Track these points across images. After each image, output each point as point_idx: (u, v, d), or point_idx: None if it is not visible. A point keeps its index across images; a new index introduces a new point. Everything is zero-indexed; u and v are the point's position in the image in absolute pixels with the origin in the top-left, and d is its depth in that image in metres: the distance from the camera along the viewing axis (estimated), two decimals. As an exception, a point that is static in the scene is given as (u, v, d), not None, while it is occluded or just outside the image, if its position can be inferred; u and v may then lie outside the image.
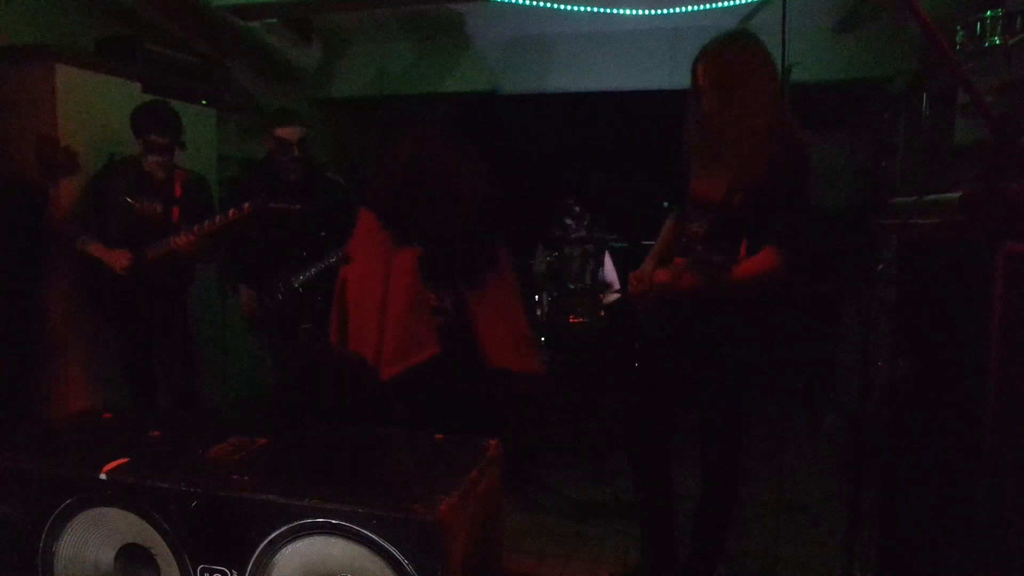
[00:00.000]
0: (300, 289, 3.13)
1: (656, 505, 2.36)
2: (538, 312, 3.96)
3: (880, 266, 2.79)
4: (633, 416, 2.37)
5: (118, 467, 1.53)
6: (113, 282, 3.03)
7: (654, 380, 2.33)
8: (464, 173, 2.51)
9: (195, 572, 1.49)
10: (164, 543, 1.50)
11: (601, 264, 4.12)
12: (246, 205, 2.89)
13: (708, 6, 4.21)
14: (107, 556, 1.57)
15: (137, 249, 3.01)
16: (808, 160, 2.06)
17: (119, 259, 2.98)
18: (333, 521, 1.38)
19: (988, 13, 2.91)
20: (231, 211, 2.90)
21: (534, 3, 4.23)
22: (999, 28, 2.88)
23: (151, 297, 3.12)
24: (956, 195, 1.60)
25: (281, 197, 2.96)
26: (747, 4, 4.10)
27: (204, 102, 4.05)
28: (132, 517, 1.51)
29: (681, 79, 2.18)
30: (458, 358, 2.55)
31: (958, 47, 3.03)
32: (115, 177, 3.10)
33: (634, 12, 4.41)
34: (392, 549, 1.35)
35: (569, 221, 4.11)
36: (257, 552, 1.43)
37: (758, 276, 1.97)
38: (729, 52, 2.03)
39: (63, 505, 1.54)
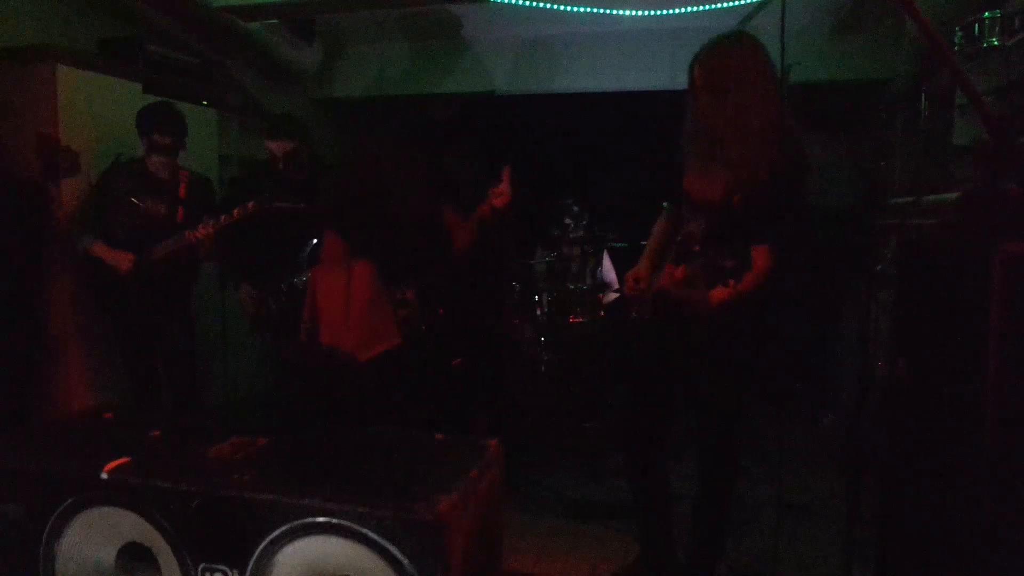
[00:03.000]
0: (303, 289, 3.14)
1: (654, 505, 2.36)
2: (538, 312, 3.96)
3: (880, 266, 2.80)
4: (629, 416, 2.38)
5: (119, 467, 1.53)
6: (116, 282, 3.03)
7: (650, 380, 2.34)
8: (405, 182, 2.71)
9: (196, 571, 1.49)
10: (165, 542, 1.50)
11: (600, 264, 4.12)
12: (250, 203, 2.89)
13: (708, 6, 4.22)
14: (108, 555, 1.57)
15: (141, 249, 3.02)
16: (806, 160, 2.06)
17: (122, 260, 2.99)
18: (333, 521, 1.38)
19: (987, 14, 2.91)
20: (236, 209, 2.91)
21: (534, 4, 4.24)
22: (997, 29, 2.88)
23: (154, 297, 3.12)
24: (955, 195, 1.61)
25: (286, 196, 2.95)
26: (747, 4, 4.11)
27: (205, 102, 4.05)
28: (133, 516, 1.52)
29: (681, 79, 2.18)
30: (426, 346, 2.73)
31: (957, 48, 3.03)
32: (120, 177, 3.11)
33: (634, 12, 4.41)
34: (392, 549, 1.35)
35: (568, 221, 4.11)
36: (258, 552, 1.44)
37: (762, 279, 1.97)
38: (725, 53, 2.04)
39: (64, 504, 1.55)
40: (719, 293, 1.93)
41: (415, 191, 2.75)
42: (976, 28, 2.96)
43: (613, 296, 4.07)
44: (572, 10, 4.32)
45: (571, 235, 4.08)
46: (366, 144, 2.91)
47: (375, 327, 2.76)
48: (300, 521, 1.40)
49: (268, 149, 3.14)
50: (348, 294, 2.77)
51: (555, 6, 4.28)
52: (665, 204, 2.43)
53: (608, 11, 4.37)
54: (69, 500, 1.54)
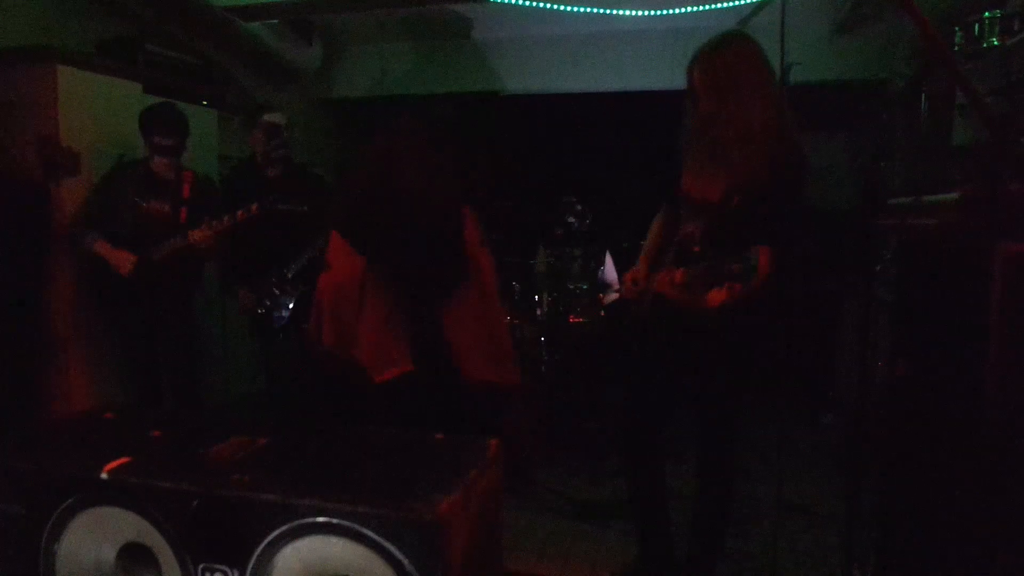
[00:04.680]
0: (292, 278, 3.18)
1: (653, 505, 2.36)
2: (538, 312, 3.96)
3: (880, 266, 2.80)
4: (629, 416, 2.38)
5: (119, 467, 1.53)
6: (118, 282, 3.04)
7: (650, 380, 2.34)
8: (424, 187, 2.47)
9: (196, 571, 1.49)
10: (165, 542, 1.50)
11: (601, 264, 4.12)
12: (253, 206, 2.91)
13: (708, 6, 4.22)
14: (108, 555, 1.57)
15: (144, 250, 3.02)
16: (805, 160, 2.06)
17: (124, 260, 2.99)
18: (333, 521, 1.38)
19: (986, 14, 2.91)
20: (239, 212, 2.92)
21: (534, 4, 4.24)
22: (997, 29, 2.88)
23: (157, 297, 3.13)
24: (955, 195, 1.61)
25: (275, 196, 2.98)
26: (747, 4, 4.11)
27: (205, 103, 4.06)
28: (133, 516, 1.52)
29: (681, 80, 2.19)
30: (432, 370, 2.54)
31: (956, 48, 3.03)
32: (124, 178, 3.12)
33: (634, 13, 4.42)
34: (392, 549, 1.35)
35: (570, 220, 4.11)
36: (258, 552, 1.44)
37: (763, 280, 1.97)
38: (724, 54, 2.05)
39: (64, 504, 1.55)
40: (718, 295, 1.93)
41: (443, 197, 2.50)
42: (976, 28, 2.96)
43: (613, 296, 4.07)
44: (572, 10, 4.32)
45: (573, 235, 4.08)
46: (385, 142, 2.68)
47: (388, 349, 2.52)
48: (300, 521, 1.40)
49: (267, 123, 3.22)
50: (360, 307, 2.55)
51: (555, 6, 4.28)
52: (663, 204, 2.43)
53: (608, 11, 4.37)
54: (69, 500, 1.54)
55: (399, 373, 2.49)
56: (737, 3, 4.14)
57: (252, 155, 3.36)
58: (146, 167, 3.12)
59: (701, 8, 4.23)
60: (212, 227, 2.93)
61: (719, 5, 4.19)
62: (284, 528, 1.41)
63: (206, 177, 3.34)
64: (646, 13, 4.40)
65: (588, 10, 4.33)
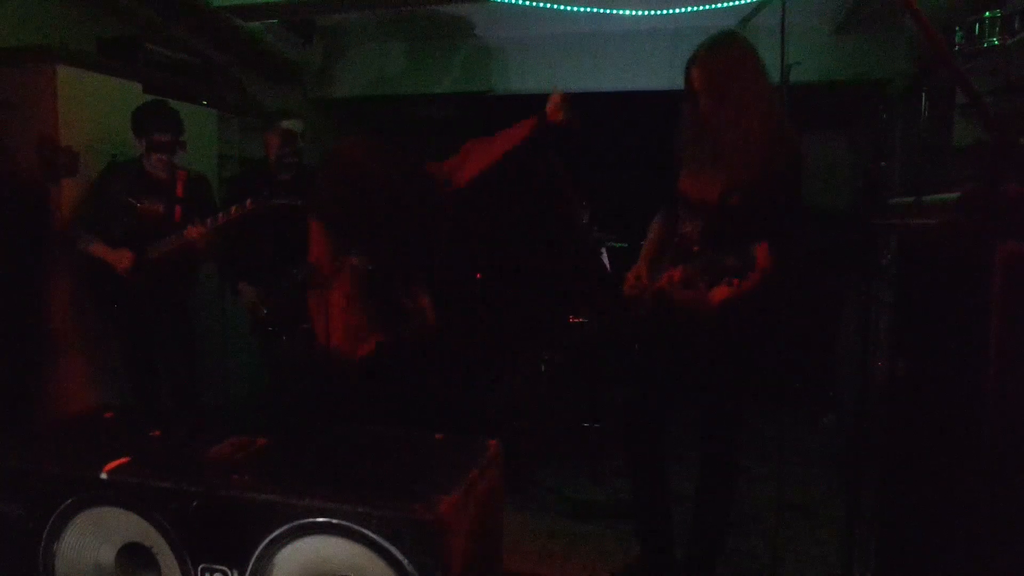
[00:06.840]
0: (303, 281, 3.18)
1: (654, 505, 2.36)
2: (538, 312, 3.96)
3: (880, 266, 2.80)
4: (630, 416, 2.38)
5: (119, 467, 1.53)
6: (116, 282, 3.03)
7: (650, 380, 2.34)
8: (402, 180, 2.58)
9: (196, 571, 1.49)
10: (165, 542, 1.50)
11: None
12: (248, 201, 2.91)
13: (708, 6, 4.22)
14: (108, 555, 1.57)
15: (139, 249, 3.02)
16: (801, 158, 2.07)
17: (121, 259, 2.99)
18: (333, 521, 1.38)
19: (987, 14, 2.91)
20: (233, 208, 2.92)
21: (534, 4, 4.24)
22: (997, 29, 2.88)
23: (154, 297, 3.12)
24: (955, 195, 1.61)
25: (270, 193, 2.99)
26: (747, 4, 4.10)
27: (204, 102, 4.06)
28: (133, 516, 1.52)
29: (681, 80, 2.19)
30: (425, 355, 2.65)
31: (957, 48, 3.03)
32: (117, 178, 3.11)
33: (634, 12, 4.41)
34: (392, 549, 1.35)
35: (568, 221, 4.11)
36: (257, 552, 1.44)
37: (762, 277, 1.97)
38: (721, 54, 2.05)
39: (64, 504, 1.55)
40: (719, 293, 1.93)
41: (403, 186, 2.65)
42: (976, 28, 2.96)
43: (612, 296, 4.06)
44: (572, 10, 4.32)
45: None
46: (346, 142, 2.83)
47: (359, 326, 2.67)
48: (300, 521, 1.40)
49: (284, 130, 3.24)
50: (329, 295, 2.71)
51: (555, 6, 4.28)
52: (662, 205, 2.43)
53: (608, 11, 4.37)
54: (69, 500, 1.54)
55: (375, 344, 2.59)
56: (737, 3, 4.14)
57: (265, 157, 3.37)
58: (139, 167, 3.12)
59: (701, 8, 4.23)
60: (207, 224, 2.94)
61: (719, 5, 4.19)
62: (284, 528, 1.41)
63: (200, 175, 3.34)
64: (646, 13, 4.40)
65: (588, 10, 4.33)
